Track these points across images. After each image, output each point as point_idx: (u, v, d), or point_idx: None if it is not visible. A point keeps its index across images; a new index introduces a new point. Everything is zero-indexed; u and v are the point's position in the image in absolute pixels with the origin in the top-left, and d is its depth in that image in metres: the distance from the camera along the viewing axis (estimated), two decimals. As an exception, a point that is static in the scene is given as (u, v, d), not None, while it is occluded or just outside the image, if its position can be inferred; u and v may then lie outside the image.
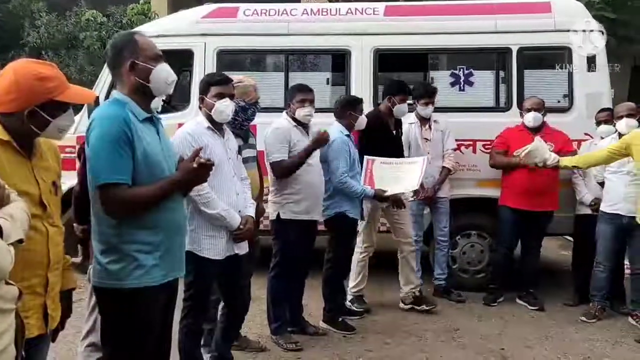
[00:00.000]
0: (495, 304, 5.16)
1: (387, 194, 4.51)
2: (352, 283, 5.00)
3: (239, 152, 3.52)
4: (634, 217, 4.54)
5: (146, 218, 2.30)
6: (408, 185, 4.58)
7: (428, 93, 5.19)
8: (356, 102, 4.61)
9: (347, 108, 4.54)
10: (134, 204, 2.26)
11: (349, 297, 5.00)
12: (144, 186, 2.27)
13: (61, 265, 2.15)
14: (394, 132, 4.97)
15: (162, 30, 5.62)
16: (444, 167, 5.24)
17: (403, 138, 5.08)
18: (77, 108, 5.53)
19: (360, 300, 5.04)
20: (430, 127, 5.23)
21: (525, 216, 5.02)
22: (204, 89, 3.31)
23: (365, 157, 4.62)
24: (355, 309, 4.93)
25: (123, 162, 2.21)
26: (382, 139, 4.83)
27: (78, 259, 3.40)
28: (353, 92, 5.41)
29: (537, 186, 4.90)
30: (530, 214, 4.99)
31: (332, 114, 4.76)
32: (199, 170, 2.37)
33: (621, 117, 4.69)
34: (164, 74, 2.38)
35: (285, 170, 4.05)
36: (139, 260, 2.30)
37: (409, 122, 5.14)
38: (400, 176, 4.62)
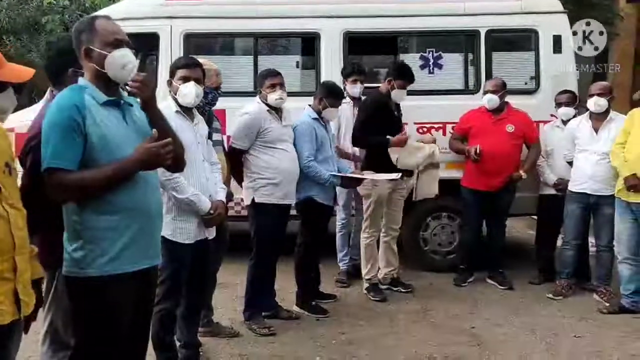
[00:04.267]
0: (466, 284, 5.23)
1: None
2: (364, 270, 4.92)
3: (209, 136, 3.51)
4: (600, 196, 4.65)
5: (104, 202, 2.22)
6: (388, 176, 4.55)
7: (356, 71, 5.16)
8: (332, 92, 4.47)
9: (322, 93, 4.47)
10: (79, 187, 2.19)
11: (365, 285, 4.94)
12: (92, 169, 2.19)
13: (27, 250, 2.09)
14: (395, 112, 4.89)
15: (126, 13, 5.46)
16: None
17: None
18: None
19: (375, 289, 4.90)
20: None
21: (485, 196, 5.08)
22: (172, 72, 3.36)
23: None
24: (372, 298, 4.83)
25: (68, 149, 2.16)
26: (386, 120, 4.76)
27: None
28: (323, 76, 5.37)
29: (493, 167, 4.96)
30: (489, 194, 5.06)
31: (302, 97, 4.71)
32: (154, 149, 2.22)
33: (592, 96, 4.76)
34: (121, 60, 2.26)
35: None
36: (101, 247, 2.23)
37: (343, 102, 4.93)
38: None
